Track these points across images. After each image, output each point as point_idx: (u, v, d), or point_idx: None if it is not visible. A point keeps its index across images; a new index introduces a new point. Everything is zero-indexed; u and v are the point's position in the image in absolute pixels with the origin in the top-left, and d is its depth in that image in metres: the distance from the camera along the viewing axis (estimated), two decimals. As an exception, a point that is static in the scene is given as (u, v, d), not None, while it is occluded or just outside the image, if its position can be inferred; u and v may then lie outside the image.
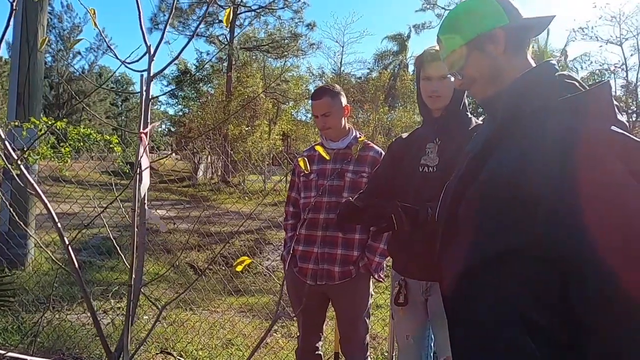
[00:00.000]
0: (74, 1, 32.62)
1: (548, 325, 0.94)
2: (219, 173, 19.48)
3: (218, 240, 7.09)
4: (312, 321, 2.39)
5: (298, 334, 2.47)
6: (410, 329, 1.98)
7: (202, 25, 22.30)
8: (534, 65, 1.15)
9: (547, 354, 0.95)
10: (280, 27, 23.83)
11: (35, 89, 5.23)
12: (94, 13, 1.37)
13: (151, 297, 4.25)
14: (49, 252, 1.62)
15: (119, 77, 46.22)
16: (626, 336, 0.85)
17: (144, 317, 3.94)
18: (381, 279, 2.29)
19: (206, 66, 24.94)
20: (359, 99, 20.25)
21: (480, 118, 2.04)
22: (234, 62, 22.76)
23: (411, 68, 29.04)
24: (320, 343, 2.45)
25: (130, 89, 47.47)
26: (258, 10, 22.89)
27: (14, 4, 1.30)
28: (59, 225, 1.36)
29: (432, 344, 2.00)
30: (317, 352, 2.42)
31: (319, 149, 1.62)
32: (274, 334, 3.80)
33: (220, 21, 21.66)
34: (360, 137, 2.36)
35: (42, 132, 3.47)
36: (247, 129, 19.05)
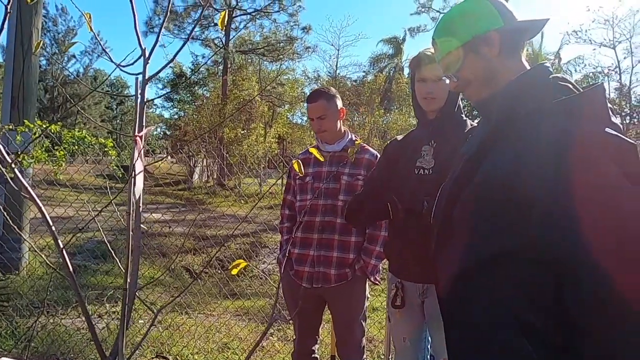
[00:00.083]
0: (68, 4, 32.59)
1: (543, 327, 0.94)
2: (215, 176, 19.45)
3: (214, 243, 7.07)
4: (308, 324, 2.39)
5: (294, 337, 2.46)
6: (407, 332, 1.98)
7: (197, 29, 22.28)
8: (528, 67, 1.15)
9: (542, 356, 0.95)
10: (275, 30, 23.86)
11: (29, 92, 5.21)
12: (90, 17, 1.36)
13: (146, 301, 4.23)
14: (43, 256, 1.61)
15: (114, 80, 46.10)
16: (620, 338, 0.86)
17: (139, 321, 3.93)
18: (377, 282, 2.29)
19: (202, 69, 24.93)
20: (354, 102, 20.26)
21: (476, 120, 2.05)
22: (229, 66, 22.76)
23: (407, 71, 29.14)
24: (317, 346, 2.45)
25: (125, 92, 47.31)
26: (253, 14, 22.91)
27: (9, 7, 1.30)
28: (53, 229, 1.35)
29: (429, 346, 2.00)
30: (313, 355, 2.41)
31: (313, 151, 1.62)
32: (270, 338, 3.79)
33: (216, 24, 21.66)
34: (356, 140, 2.37)
35: (37, 135, 3.46)
36: (242, 132, 19.04)
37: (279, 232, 2.57)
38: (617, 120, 1.00)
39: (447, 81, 1.29)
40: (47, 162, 3.79)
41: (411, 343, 1.98)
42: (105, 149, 3.75)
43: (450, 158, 1.39)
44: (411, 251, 1.82)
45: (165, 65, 1.74)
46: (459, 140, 1.54)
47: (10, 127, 3.73)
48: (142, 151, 1.43)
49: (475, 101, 1.22)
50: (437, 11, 25.66)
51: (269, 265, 6.67)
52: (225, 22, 1.49)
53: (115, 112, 48.67)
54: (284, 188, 2.60)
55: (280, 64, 25.68)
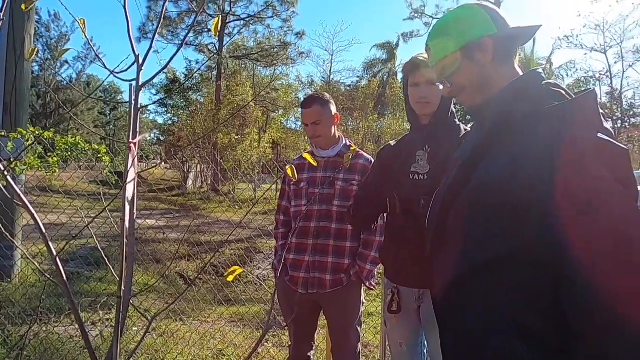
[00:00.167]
0: (61, 10, 32.50)
1: (540, 329, 0.95)
2: (209, 182, 19.40)
3: (208, 249, 7.04)
4: (303, 330, 2.38)
5: (290, 344, 2.45)
6: (404, 337, 1.98)
7: (191, 34, 22.29)
8: (521, 73, 1.16)
9: (539, 358, 0.95)
10: (269, 36, 23.92)
11: (22, 98, 5.17)
12: (84, 24, 1.36)
13: (140, 307, 4.20)
14: (36, 264, 1.59)
15: (107, 86, 45.98)
16: (614, 343, 0.86)
17: (133, 329, 3.89)
18: (372, 287, 2.28)
19: (195, 75, 24.91)
20: (348, 106, 20.31)
21: (469, 125, 2.06)
22: (223, 71, 22.76)
23: (400, 76, 29.26)
24: (312, 352, 2.44)
25: (118, 98, 47.18)
26: (247, 19, 22.95)
27: (1, 13, 1.29)
28: (46, 237, 1.34)
29: (425, 351, 2.00)
30: (309, 362, 2.40)
31: (306, 156, 1.63)
32: (266, 344, 3.77)
33: (209, 30, 21.66)
34: (350, 145, 2.37)
35: (30, 143, 3.43)
36: (236, 137, 19.02)
37: (273, 237, 2.57)
38: (608, 125, 1.01)
39: (441, 86, 1.30)
40: (40, 169, 3.76)
41: (407, 348, 1.97)
42: (99, 155, 3.73)
43: (445, 163, 1.40)
44: (409, 251, 1.81)
45: (159, 72, 1.74)
46: (453, 145, 1.54)
47: (3, 133, 3.71)
48: (136, 158, 1.42)
49: (468, 107, 1.23)
50: (430, 16, 25.80)
51: (263, 271, 6.65)
52: (219, 28, 1.50)
53: (108, 117, 48.52)
54: (278, 194, 2.59)
55: (274, 70, 25.75)
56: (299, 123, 26.92)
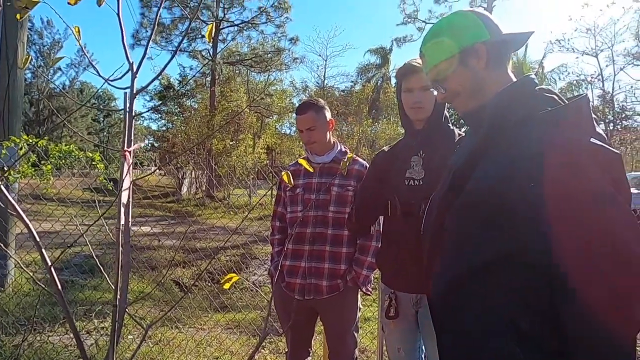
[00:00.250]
0: (54, 17, 32.41)
1: (539, 331, 0.95)
2: (204, 188, 19.34)
3: (203, 256, 7.01)
4: (300, 336, 2.37)
5: (286, 350, 2.44)
6: (401, 342, 1.98)
7: (184, 40, 22.30)
8: (514, 79, 1.18)
9: None
10: (263, 41, 23.95)
11: (15, 106, 5.14)
12: (79, 32, 1.36)
13: (135, 315, 4.17)
14: (30, 273, 1.58)
15: (101, 93, 45.85)
16: (610, 344, 0.86)
17: (129, 337, 3.86)
18: (369, 292, 2.28)
19: (189, 81, 24.88)
20: (342, 111, 20.39)
21: (462, 129, 2.07)
22: (217, 77, 22.76)
23: (393, 81, 29.33)
24: (309, 358, 2.43)
25: (112, 105, 47.13)
26: (241, 25, 22.99)
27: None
28: (41, 246, 1.33)
29: (423, 356, 2.00)
30: (306, 368, 2.39)
31: (302, 162, 1.63)
32: (262, 350, 3.75)
33: (203, 36, 21.68)
34: (345, 151, 2.38)
35: (24, 151, 3.41)
36: (231, 143, 19.00)
37: (269, 243, 2.56)
38: (601, 130, 1.03)
39: (435, 92, 1.30)
40: (33, 177, 3.74)
41: (405, 353, 1.97)
42: (93, 163, 3.71)
43: (440, 168, 1.40)
44: (408, 251, 1.80)
45: (154, 79, 1.73)
46: (448, 150, 1.55)
47: (-4, 141, 3.68)
48: (131, 166, 1.42)
49: (462, 112, 1.24)
50: (423, 21, 25.96)
51: (259, 277, 6.62)
52: (213, 34, 1.50)
53: (102, 124, 48.35)
54: (274, 199, 2.59)
55: (268, 75, 25.77)
56: (294, 128, 26.99)
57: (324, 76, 32.74)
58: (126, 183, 1.37)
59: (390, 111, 24.33)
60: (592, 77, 24.13)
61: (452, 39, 1.18)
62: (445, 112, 1.96)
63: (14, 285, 4.97)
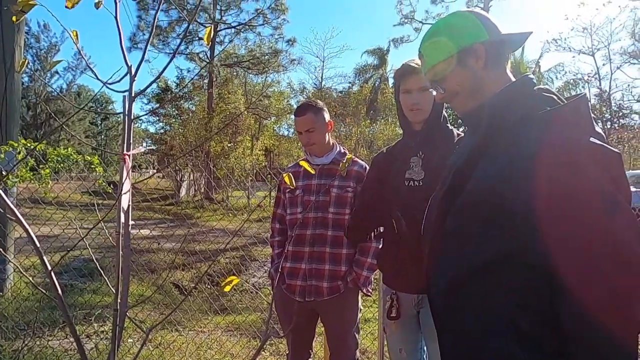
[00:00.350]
0: (51, 21, 32.38)
1: (539, 331, 0.95)
2: (202, 190, 19.33)
3: (203, 258, 7.00)
4: (301, 339, 2.37)
5: (287, 352, 2.44)
6: (403, 342, 1.98)
7: (181, 42, 22.25)
8: (513, 79, 1.18)
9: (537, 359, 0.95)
10: (260, 43, 23.93)
11: (12, 110, 5.14)
12: (76, 35, 1.36)
13: (135, 319, 4.16)
14: (30, 278, 1.58)
15: (98, 96, 45.77)
16: (610, 344, 0.86)
17: (129, 340, 3.85)
18: (369, 293, 2.28)
19: (187, 83, 24.86)
20: (340, 112, 20.36)
21: (460, 129, 2.07)
22: (214, 79, 22.74)
23: (391, 81, 29.38)
24: (310, 360, 2.43)
25: (109, 108, 46.99)
26: (238, 27, 22.97)
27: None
28: (41, 251, 1.33)
29: (425, 356, 2.00)
30: (307, 370, 2.39)
31: (304, 164, 1.63)
32: (263, 353, 3.75)
33: (200, 38, 21.69)
34: (344, 152, 2.38)
35: (23, 156, 3.41)
36: (229, 145, 18.99)
37: (269, 245, 2.56)
38: (599, 129, 1.03)
39: (434, 92, 1.31)
40: (31, 181, 3.73)
41: (407, 353, 1.97)
42: (92, 166, 3.70)
43: (440, 168, 1.40)
44: (409, 252, 1.80)
45: (152, 82, 1.73)
46: (448, 150, 1.55)
47: (-6, 146, 3.68)
48: (130, 170, 1.42)
49: (461, 112, 1.24)
50: (420, 22, 26.01)
51: (259, 279, 6.62)
52: (211, 37, 1.50)
53: (99, 127, 48.27)
54: (273, 201, 2.59)
55: (266, 77, 25.77)
56: (292, 130, 26.99)
57: (322, 77, 32.81)
58: (126, 187, 1.37)
59: (388, 112, 24.33)
60: (589, 76, 24.21)
61: (451, 39, 1.18)
62: (444, 112, 1.96)
63: (13, 289, 4.96)
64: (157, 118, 27.24)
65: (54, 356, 3.47)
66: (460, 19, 1.20)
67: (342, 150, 2.41)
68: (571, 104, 1.02)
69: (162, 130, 27.27)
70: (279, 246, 2.42)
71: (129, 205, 1.42)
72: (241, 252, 7.61)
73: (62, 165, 3.80)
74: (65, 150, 3.61)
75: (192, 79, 23.90)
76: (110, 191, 4.15)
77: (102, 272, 1.64)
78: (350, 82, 31.84)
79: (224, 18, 22.62)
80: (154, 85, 24.75)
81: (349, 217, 2.19)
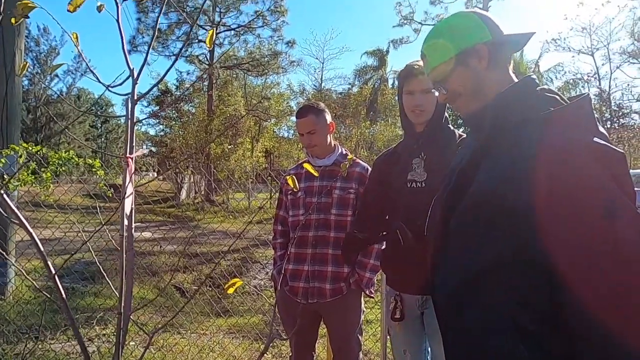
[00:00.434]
0: (50, 24, 32.41)
1: (538, 329, 0.95)
2: (203, 192, 19.33)
3: (204, 260, 7.00)
4: (304, 341, 2.37)
5: (290, 354, 2.44)
6: (407, 344, 1.97)
7: (181, 44, 22.30)
8: (515, 80, 1.18)
9: (537, 358, 0.95)
10: (260, 45, 23.96)
11: (13, 114, 5.14)
12: (77, 38, 1.36)
13: (137, 322, 4.16)
14: (33, 282, 1.58)
15: (98, 99, 45.79)
16: (610, 343, 0.86)
17: (131, 343, 3.85)
18: (372, 295, 2.28)
19: (186, 85, 24.87)
20: (340, 114, 20.38)
21: (461, 129, 2.07)
22: (214, 81, 22.76)
23: (391, 82, 29.42)
24: (313, 362, 2.42)
25: (109, 110, 47.07)
26: (237, 30, 23.01)
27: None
28: (45, 255, 1.33)
29: (429, 358, 2.00)
30: (310, 372, 2.39)
31: (307, 166, 1.63)
32: (265, 355, 3.74)
33: (200, 41, 21.69)
34: (346, 154, 2.38)
35: (25, 161, 3.41)
36: (229, 147, 19.01)
37: (271, 247, 2.56)
38: (603, 129, 1.03)
39: (436, 93, 1.31)
40: (33, 185, 3.73)
41: (411, 355, 1.97)
42: (93, 169, 3.70)
43: (443, 170, 1.40)
44: (412, 253, 1.79)
45: (154, 85, 1.74)
46: (451, 151, 1.56)
47: (-5, 150, 3.68)
48: (132, 173, 1.42)
49: (464, 113, 1.24)
50: (419, 23, 26.06)
51: (260, 281, 6.61)
52: (213, 40, 1.50)
53: (99, 130, 48.28)
54: (275, 203, 2.59)
55: (266, 79, 25.78)
56: (292, 131, 27.00)
57: (321, 79, 32.83)
58: (129, 190, 1.37)
59: (388, 113, 24.37)
60: (588, 76, 24.27)
61: (454, 40, 1.18)
62: (446, 113, 1.96)
63: (15, 293, 4.96)
64: (157, 120, 27.26)
65: (56, 359, 3.47)
66: (463, 19, 1.20)
67: (344, 152, 2.41)
68: (574, 104, 1.02)
69: (162, 133, 27.29)
70: (282, 248, 2.42)
71: (132, 209, 1.42)
72: (242, 254, 7.60)
73: (63, 168, 3.80)
74: (67, 153, 3.60)
75: (195, 81, 23.89)
76: (110, 195, 4.15)
77: (105, 275, 1.64)
78: (350, 84, 31.84)
79: (223, 20, 22.66)
80: (154, 88, 24.78)
81: (351, 221, 2.19)
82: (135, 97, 1.43)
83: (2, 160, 3.64)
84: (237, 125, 19.36)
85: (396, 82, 2.09)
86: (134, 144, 1.43)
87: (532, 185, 0.94)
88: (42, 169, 3.77)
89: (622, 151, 0.96)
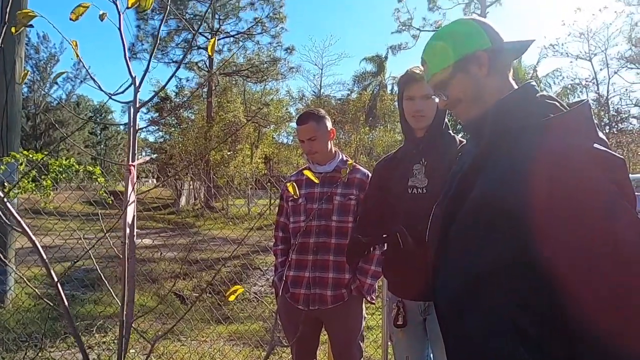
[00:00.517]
0: (50, 31, 32.53)
1: (538, 331, 0.95)
2: (202, 199, 19.32)
3: (204, 267, 6.98)
4: (305, 348, 2.36)
5: (292, 361, 2.43)
6: (410, 350, 1.97)
7: (180, 51, 22.34)
8: (515, 86, 1.19)
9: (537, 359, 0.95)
10: (259, 52, 24.02)
11: (13, 122, 5.15)
12: (76, 45, 1.36)
13: (138, 329, 4.14)
14: (35, 289, 1.58)
15: (98, 106, 45.89)
16: (610, 345, 0.86)
17: (131, 351, 3.84)
18: (373, 301, 2.28)
19: (186, 92, 24.92)
20: (339, 120, 20.42)
21: (460, 135, 2.08)
22: (213, 88, 22.81)
23: (390, 88, 29.50)
24: (315, 369, 2.41)
25: (109, 118, 47.13)
26: (237, 36, 23.08)
27: (-1, 40, 1.30)
28: (47, 262, 1.33)
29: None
30: (311, 379, 2.38)
31: (307, 173, 1.63)
32: (266, 362, 3.73)
33: (199, 47, 21.76)
34: (347, 160, 2.39)
35: (23, 166, 3.41)
36: (229, 153, 19.02)
37: (272, 253, 2.55)
38: (603, 135, 1.03)
39: (437, 99, 1.31)
40: (34, 192, 3.74)
41: None
42: (93, 176, 3.71)
43: (443, 175, 1.41)
44: (413, 259, 1.79)
45: (157, 93, 1.75)
46: (451, 157, 1.56)
47: (-4, 157, 3.68)
48: (134, 181, 1.42)
49: (464, 119, 1.24)
50: (418, 29, 26.17)
51: (261, 287, 6.59)
52: (214, 48, 1.51)
53: (99, 137, 48.32)
54: (276, 209, 2.59)
55: (265, 85, 25.84)
56: (291, 137, 27.04)
57: (320, 85, 32.93)
58: (131, 198, 1.37)
59: (388, 118, 24.44)
60: (586, 81, 24.35)
61: (454, 46, 1.19)
62: (446, 119, 1.97)
63: (14, 301, 4.94)
64: (157, 127, 27.27)
65: (56, 368, 3.46)
66: (463, 26, 1.21)
67: (345, 158, 2.42)
68: (574, 110, 1.03)
69: (161, 139, 27.32)
70: (283, 255, 2.41)
71: (133, 216, 1.43)
72: (243, 260, 7.59)
73: (63, 175, 3.80)
74: (67, 160, 3.61)
75: (196, 89, 23.92)
76: (110, 202, 4.16)
77: (106, 282, 1.64)
78: (349, 90, 31.91)
79: (222, 27, 22.74)
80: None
81: (353, 227, 2.19)
82: (137, 105, 1.43)
83: (2, 167, 3.64)
84: (237, 132, 19.38)
85: (395, 88, 2.11)
86: (135, 152, 1.44)
87: (532, 187, 0.94)
88: (42, 177, 3.77)
89: (622, 157, 0.96)
